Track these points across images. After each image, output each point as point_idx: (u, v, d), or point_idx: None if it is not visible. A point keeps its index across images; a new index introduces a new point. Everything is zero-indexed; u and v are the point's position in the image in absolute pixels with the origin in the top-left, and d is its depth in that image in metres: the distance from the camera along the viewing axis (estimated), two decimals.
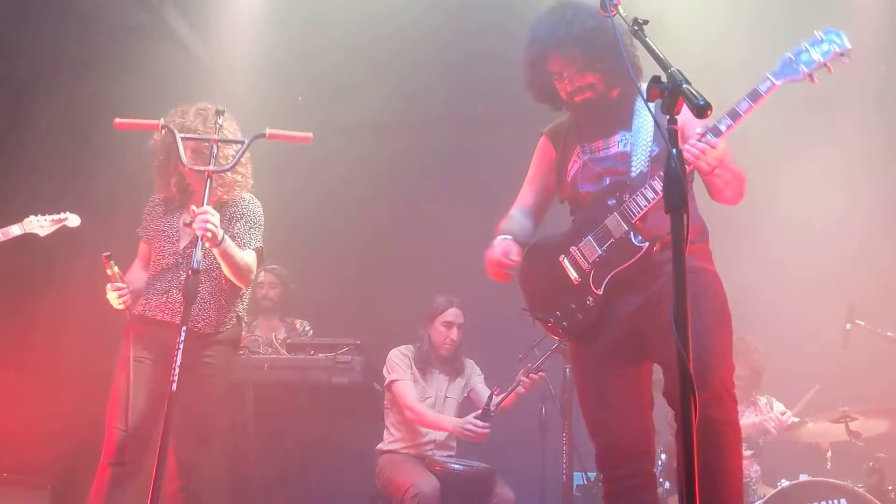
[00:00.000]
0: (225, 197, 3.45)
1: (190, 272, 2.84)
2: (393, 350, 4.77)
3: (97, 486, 3.20)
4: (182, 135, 3.07)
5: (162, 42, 5.50)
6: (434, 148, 6.26)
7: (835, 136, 5.50)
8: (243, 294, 3.58)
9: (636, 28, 2.12)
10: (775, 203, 5.38)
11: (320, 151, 5.72)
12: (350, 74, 5.90)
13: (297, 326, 5.57)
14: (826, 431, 4.46)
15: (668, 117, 1.85)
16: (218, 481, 3.66)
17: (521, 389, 4.31)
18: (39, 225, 3.99)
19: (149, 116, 5.04)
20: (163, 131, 3.10)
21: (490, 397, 4.43)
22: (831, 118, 5.51)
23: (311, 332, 5.50)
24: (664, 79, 1.88)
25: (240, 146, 3.20)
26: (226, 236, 3.20)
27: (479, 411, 4.39)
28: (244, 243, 3.42)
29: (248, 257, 3.39)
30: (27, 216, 4.05)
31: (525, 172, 3.10)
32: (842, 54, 2.30)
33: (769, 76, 2.35)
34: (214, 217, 3.02)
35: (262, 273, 5.41)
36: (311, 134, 3.26)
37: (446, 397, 4.71)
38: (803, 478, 4.16)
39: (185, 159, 3.03)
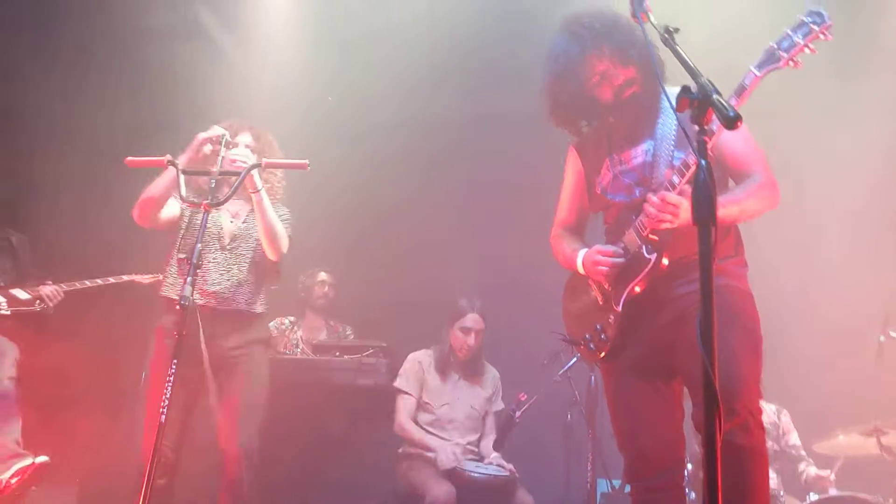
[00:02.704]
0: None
1: (179, 307, 2.87)
2: (411, 354, 4.76)
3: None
4: (183, 170, 3.22)
5: (192, 40, 5.54)
6: (466, 151, 6.24)
7: (867, 141, 5.39)
8: (264, 286, 3.81)
9: (666, 36, 2.09)
10: (808, 210, 5.29)
11: (343, 154, 5.76)
12: (381, 74, 5.91)
13: (340, 330, 5.62)
14: (857, 444, 4.39)
15: (697, 128, 1.82)
16: (269, 473, 3.76)
17: None
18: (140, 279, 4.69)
19: (178, 115, 5.15)
20: (168, 167, 3.18)
21: (516, 402, 4.43)
22: (860, 121, 5.40)
23: (353, 337, 5.54)
24: (694, 88, 1.84)
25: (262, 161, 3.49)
26: (265, 194, 3.56)
27: (495, 440, 4.39)
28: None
29: (283, 229, 3.68)
30: None
31: (554, 177, 3.10)
32: (821, 32, 2.22)
33: (752, 68, 2.30)
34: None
35: (322, 273, 5.68)
36: (307, 161, 3.37)
37: (469, 406, 4.66)
38: (832, 492, 4.10)
39: (183, 193, 3.16)
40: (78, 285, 4.56)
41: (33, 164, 4.99)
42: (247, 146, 3.75)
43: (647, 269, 2.59)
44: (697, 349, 1.69)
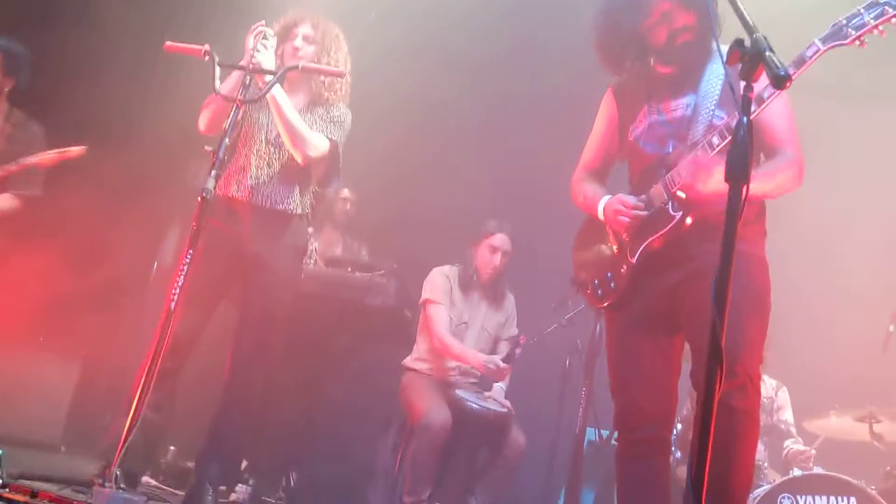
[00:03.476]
0: (326, 94, 3.67)
1: (200, 199, 2.75)
2: (435, 269, 4.74)
3: (143, 381, 3.28)
4: (219, 62, 3.06)
5: None
6: (496, 83, 6.14)
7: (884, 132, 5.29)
8: (311, 187, 3.73)
9: None
10: (822, 196, 5.20)
11: (373, 77, 5.69)
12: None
13: (355, 249, 5.64)
14: (848, 428, 4.41)
15: (744, 84, 1.78)
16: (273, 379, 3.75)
17: None
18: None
19: (215, 25, 5.08)
20: (206, 57, 3.08)
21: (516, 341, 4.48)
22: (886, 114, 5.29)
23: (367, 257, 5.56)
24: (748, 43, 1.80)
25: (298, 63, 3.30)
26: (281, 91, 3.40)
27: (506, 354, 4.43)
28: (318, 129, 3.60)
29: (308, 131, 3.52)
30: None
31: (581, 114, 3.05)
32: (895, 16, 2.17)
33: (816, 41, 2.24)
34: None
35: (346, 189, 5.72)
36: (344, 70, 3.38)
37: (483, 328, 4.68)
38: (817, 470, 4.14)
39: (217, 86, 3.03)
40: None
41: (72, 45, 4.95)
42: (304, 37, 3.64)
43: (670, 226, 2.59)
44: (705, 308, 1.69)
